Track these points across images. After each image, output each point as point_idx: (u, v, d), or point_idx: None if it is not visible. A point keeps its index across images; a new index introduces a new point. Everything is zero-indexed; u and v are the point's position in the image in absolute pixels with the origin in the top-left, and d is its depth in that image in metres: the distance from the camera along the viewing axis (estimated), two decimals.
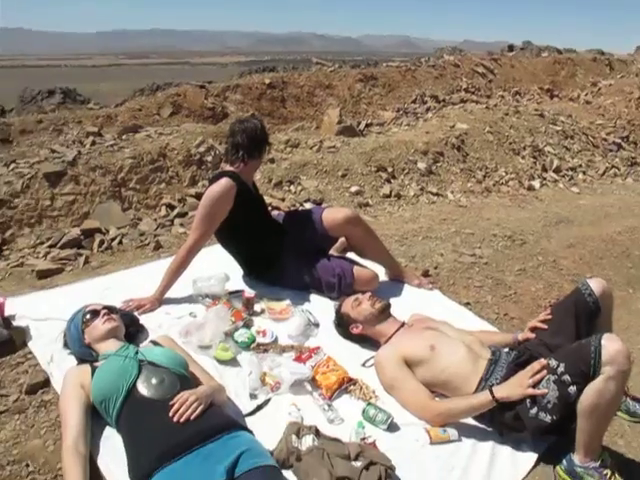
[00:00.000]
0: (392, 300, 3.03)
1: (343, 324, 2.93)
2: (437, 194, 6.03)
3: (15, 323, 2.85)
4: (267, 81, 9.79)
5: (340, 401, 2.51)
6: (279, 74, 11.00)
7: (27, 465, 2.05)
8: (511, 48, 15.83)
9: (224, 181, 3.05)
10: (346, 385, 2.57)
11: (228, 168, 3.20)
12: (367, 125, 8.11)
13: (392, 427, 2.36)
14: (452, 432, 2.33)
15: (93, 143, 5.60)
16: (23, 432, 2.20)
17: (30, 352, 2.66)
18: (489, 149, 7.26)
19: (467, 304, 3.46)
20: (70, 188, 4.65)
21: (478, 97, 10.40)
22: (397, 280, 3.58)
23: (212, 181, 3.15)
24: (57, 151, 5.26)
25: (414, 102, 10.13)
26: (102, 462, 2.06)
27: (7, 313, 2.85)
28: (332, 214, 3.34)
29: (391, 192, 5.74)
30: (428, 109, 9.33)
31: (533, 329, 2.67)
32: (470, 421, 2.41)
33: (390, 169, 6.10)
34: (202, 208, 3.08)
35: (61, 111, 10.20)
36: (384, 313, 2.84)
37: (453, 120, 7.72)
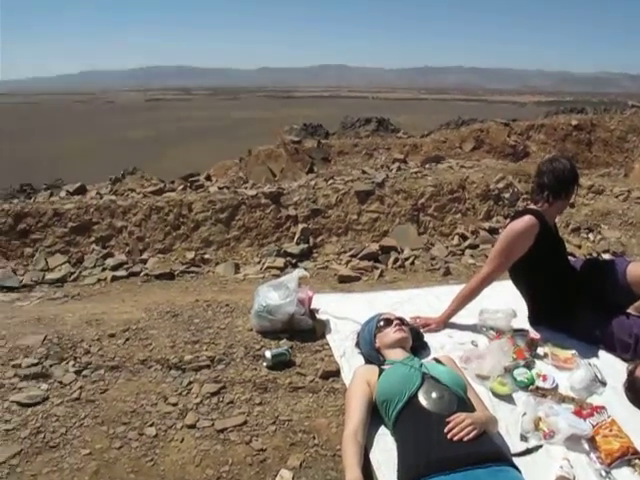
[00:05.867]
0: None
1: (635, 390, 2.65)
2: None
3: (318, 316, 3.30)
4: (574, 122, 9.34)
5: (620, 472, 2.26)
6: (587, 116, 10.42)
7: (314, 437, 2.34)
8: None
9: (527, 218, 3.04)
10: (630, 457, 2.31)
11: (532, 206, 3.20)
12: None
13: None
14: None
15: (399, 169, 6.09)
16: (314, 410, 2.52)
17: (327, 343, 3.04)
18: None
19: None
20: (375, 207, 5.14)
21: None
22: None
23: (515, 217, 3.18)
24: (367, 172, 5.85)
25: None
26: (373, 457, 2.22)
27: (313, 306, 3.30)
28: (639, 268, 3.07)
29: None
30: None
31: None
32: None
33: None
34: (502, 241, 3.12)
35: (374, 138, 11.21)
36: None
37: None
